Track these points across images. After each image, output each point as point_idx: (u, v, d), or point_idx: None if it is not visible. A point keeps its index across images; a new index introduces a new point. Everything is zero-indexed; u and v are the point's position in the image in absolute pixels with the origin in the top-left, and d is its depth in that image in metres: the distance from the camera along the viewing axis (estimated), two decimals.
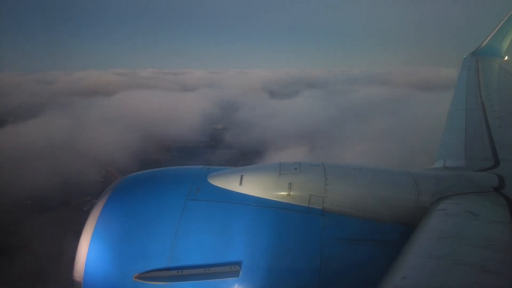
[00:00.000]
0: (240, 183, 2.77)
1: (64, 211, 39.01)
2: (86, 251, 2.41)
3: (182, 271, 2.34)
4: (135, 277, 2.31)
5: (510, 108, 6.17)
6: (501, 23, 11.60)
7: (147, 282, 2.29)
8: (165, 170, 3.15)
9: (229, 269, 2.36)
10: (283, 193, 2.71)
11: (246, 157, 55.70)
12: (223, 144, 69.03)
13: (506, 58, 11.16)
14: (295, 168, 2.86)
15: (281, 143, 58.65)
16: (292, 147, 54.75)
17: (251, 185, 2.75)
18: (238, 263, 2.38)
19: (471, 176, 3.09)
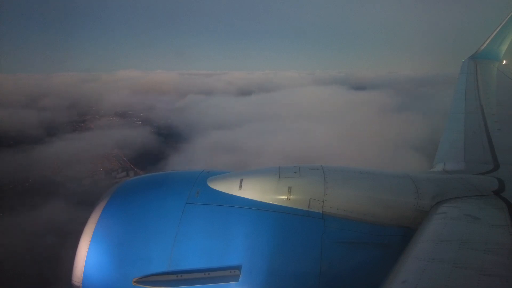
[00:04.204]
0: (240, 187, 2.77)
1: None
2: (85, 255, 2.40)
3: (181, 275, 2.33)
4: (134, 282, 2.30)
5: (509, 111, 6.19)
6: (499, 27, 11.68)
7: (146, 286, 2.29)
8: (165, 173, 3.15)
9: (229, 273, 2.35)
10: (283, 197, 2.71)
11: None
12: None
13: (504, 61, 11.23)
14: (295, 172, 2.86)
15: None
16: None
17: (250, 189, 2.76)
18: (238, 267, 2.37)
19: (471, 179, 3.09)
